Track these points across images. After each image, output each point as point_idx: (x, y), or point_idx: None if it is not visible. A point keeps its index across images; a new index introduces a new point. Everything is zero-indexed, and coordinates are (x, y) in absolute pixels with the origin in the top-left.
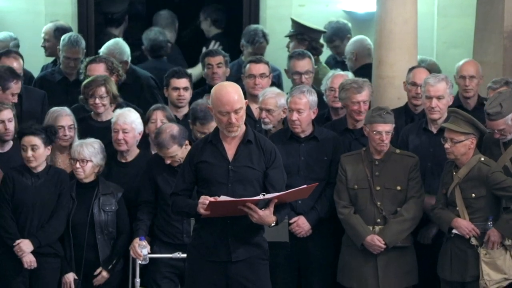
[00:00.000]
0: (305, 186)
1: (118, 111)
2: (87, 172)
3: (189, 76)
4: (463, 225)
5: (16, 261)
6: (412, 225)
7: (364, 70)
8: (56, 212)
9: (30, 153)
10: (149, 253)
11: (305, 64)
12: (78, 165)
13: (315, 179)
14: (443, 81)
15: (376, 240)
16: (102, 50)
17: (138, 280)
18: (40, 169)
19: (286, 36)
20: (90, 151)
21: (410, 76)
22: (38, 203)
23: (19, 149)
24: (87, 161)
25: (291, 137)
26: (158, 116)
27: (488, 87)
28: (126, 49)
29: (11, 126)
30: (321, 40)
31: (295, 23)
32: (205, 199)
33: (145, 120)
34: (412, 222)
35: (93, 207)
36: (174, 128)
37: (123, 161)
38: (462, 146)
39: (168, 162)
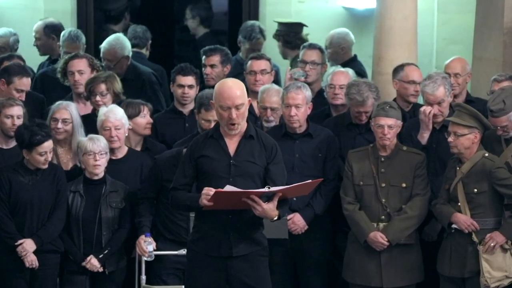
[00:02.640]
0: (310, 181)
1: (104, 108)
2: (104, 165)
3: (195, 74)
4: (462, 219)
5: (16, 258)
6: (416, 223)
7: (350, 64)
8: (56, 209)
9: (49, 156)
10: (154, 250)
11: (312, 55)
12: (96, 158)
13: (310, 176)
14: (441, 86)
15: (379, 237)
16: (104, 45)
17: (143, 277)
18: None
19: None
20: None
21: (402, 74)
22: (36, 200)
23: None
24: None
25: (285, 134)
26: (141, 109)
27: (492, 79)
28: (127, 44)
29: (19, 123)
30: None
31: (279, 24)
32: (209, 190)
33: (129, 115)
34: (416, 220)
35: (101, 203)
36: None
37: (114, 158)
38: (466, 139)
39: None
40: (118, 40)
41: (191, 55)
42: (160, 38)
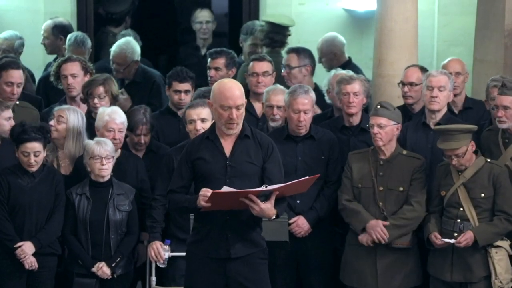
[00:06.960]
0: (307, 177)
1: (107, 109)
2: (110, 169)
3: (192, 79)
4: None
5: (14, 261)
6: (410, 226)
7: (345, 68)
8: (55, 212)
9: (33, 159)
10: (169, 257)
11: (293, 59)
12: (103, 162)
13: None
14: (445, 75)
15: (381, 224)
16: (114, 48)
17: (154, 278)
18: (35, 168)
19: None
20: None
21: (402, 75)
22: (35, 203)
23: (10, 148)
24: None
25: (287, 137)
26: (143, 131)
27: (492, 86)
28: (137, 48)
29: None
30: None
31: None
32: (206, 191)
33: (130, 127)
34: (410, 222)
35: (109, 206)
36: None
37: None
38: (467, 154)
39: (198, 127)
40: (129, 45)
41: (193, 58)
42: (161, 40)
